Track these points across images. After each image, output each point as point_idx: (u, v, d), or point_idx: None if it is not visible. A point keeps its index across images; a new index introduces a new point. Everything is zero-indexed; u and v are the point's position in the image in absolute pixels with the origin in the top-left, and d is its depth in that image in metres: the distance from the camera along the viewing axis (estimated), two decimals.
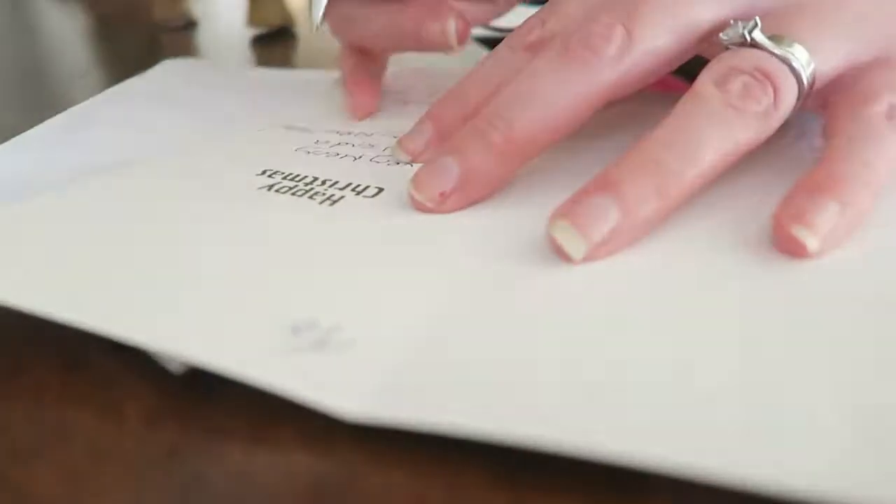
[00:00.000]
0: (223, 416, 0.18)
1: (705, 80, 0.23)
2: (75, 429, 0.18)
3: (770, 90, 0.23)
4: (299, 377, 0.18)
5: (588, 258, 0.22)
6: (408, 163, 0.29)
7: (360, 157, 0.30)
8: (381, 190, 0.26)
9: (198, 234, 0.24)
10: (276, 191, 0.27)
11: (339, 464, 0.17)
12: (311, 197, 0.27)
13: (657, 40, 0.25)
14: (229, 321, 0.20)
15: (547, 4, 0.28)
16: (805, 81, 0.23)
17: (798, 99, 0.23)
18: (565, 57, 0.25)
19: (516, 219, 0.25)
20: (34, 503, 0.16)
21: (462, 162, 0.25)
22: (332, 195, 0.27)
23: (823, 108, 0.25)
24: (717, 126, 0.22)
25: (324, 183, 0.28)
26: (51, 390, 0.19)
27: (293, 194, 0.27)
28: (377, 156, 0.30)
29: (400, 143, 0.29)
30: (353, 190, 0.27)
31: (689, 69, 0.27)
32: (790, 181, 0.23)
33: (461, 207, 0.26)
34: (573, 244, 0.22)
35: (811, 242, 0.20)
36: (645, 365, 0.18)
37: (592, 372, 0.18)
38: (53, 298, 0.21)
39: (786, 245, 0.21)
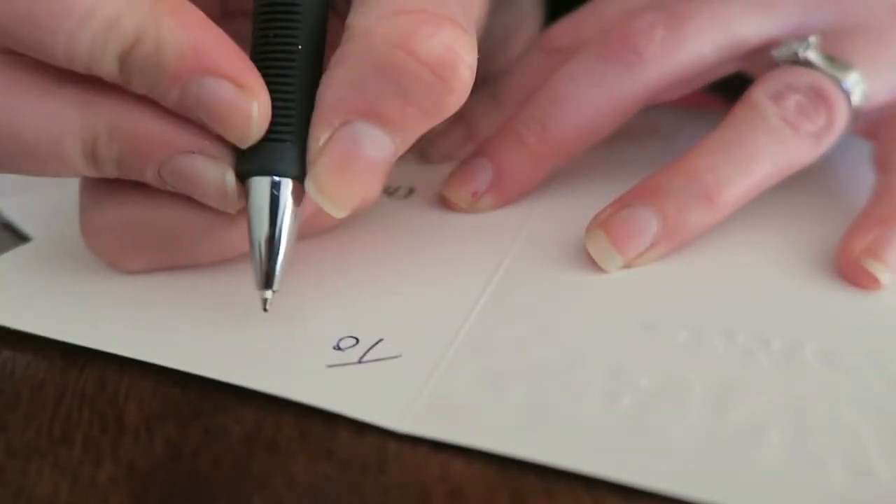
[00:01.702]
0: (223, 416, 0.18)
1: (759, 93, 0.23)
2: (75, 429, 0.18)
3: (823, 111, 0.23)
4: (343, 392, 0.18)
5: (625, 268, 0.22)
6: (438, 162, 0.29)
7: None
8: (412, 190, 0.26)
9: None
10: None
11: (339, 464, 0.17)
12: None
13: (699, 47, 0.24)
14: (272, 340, 0.20)
15: (583, 8, 0.28)
16: (857, 105, 0.23)
17: (848, 123, 0.23)
18: (604, 56, 0.24)
19: (553, 224, 0.25)
20: (34, 503, 0.16)
21: (496, 162, 0.25)
22: None
23: (874, 136, 0.25)
24: (774, 139, 0.22)
25: None
26: (51, 390, 0.19)
27: None
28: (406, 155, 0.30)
29: (431, 142, 0.29)
30: (384, 192, 0.27)
31: (724, 85, 0.27)
32: (837, 204, 0.23)
33: (494, 208, 0.26)
34: (608, 258, 0.22)
35: (884, 276, 0.21)
36: (686, 395, 0.18)
37: (630, 400, 0.17)
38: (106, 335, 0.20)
39: (855, 276, 0.21)
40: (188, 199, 0.20)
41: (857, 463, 0.15)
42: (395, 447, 0.17)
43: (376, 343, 0.19)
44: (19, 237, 0.27)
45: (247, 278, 0.22)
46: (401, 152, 0.20)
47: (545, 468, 0.16)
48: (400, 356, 0.19)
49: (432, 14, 0.18)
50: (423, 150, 0.29)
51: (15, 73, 0.19)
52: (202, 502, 0.16)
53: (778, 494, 0.15)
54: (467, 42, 0.18)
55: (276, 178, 0.19)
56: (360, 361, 0.19)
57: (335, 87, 0.19)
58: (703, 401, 0.17)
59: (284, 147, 0.19)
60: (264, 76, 0.19)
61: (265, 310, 0.20)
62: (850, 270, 0.21)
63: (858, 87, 0.23)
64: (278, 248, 0.19)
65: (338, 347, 0.19)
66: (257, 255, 0.19)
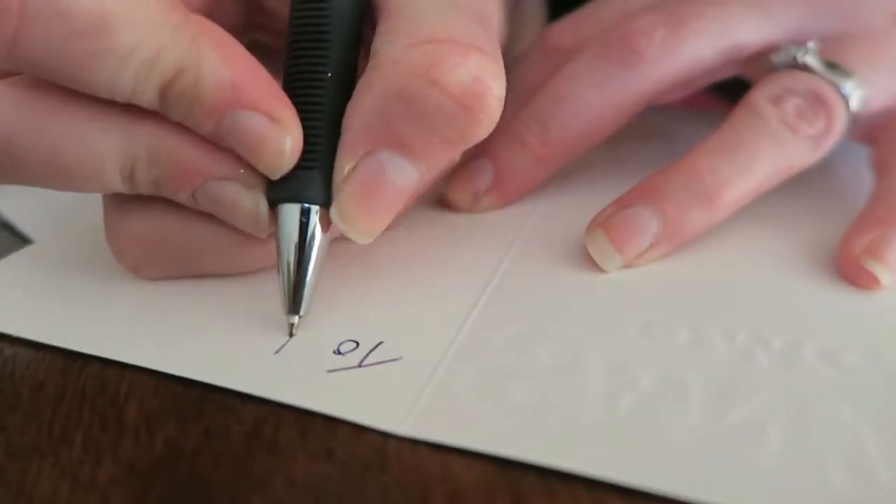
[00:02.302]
0: (223, 416, 0.18)
1: (759, 96, 0.23)
2: (75, 429, 0.18)
3: (822, 115, 0.23)
4: (344, 396, 0.18)
5: (624, 268, 0.22)
6: None
7: None
8: None
9: None
10: None
11: (339, 464, 0.17)
12: None
13: (700, 49, 0.24)
14: (273, 346, 0.20)
15: (582, 8, 0.28)
16: (855, 111, 0.23)
17: (847, 128, 0.23)
18: (605, 56, 0.24)
19: (553, 224, 0.25)
20: (34, 503, 0.16)
21: (497, 163, 0.25)
22: None
23: (872, 140, 0.25)
24: (774, 142, 0.22)
25: None
26: (51, 390, 0.19)
27: None
28: None
29: None
30: None
31: (724, 85, 0.27)
32: (836, 205, 0.23)
33: (495, 208, 0.26)
34: (608, 258, 0.22)
35: (884, 275, 0.21)
36: (686, 396, 0.18)
37: (630, 401, 0.17)
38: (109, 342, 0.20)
39: (855, 276, 0.21)
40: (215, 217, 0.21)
41: (857, 463, 0.15)
42: (395, 447, 0.17)
43: (376, 346, 0.19)
44: (19, 238, 0.27)
45: (249, 285, 0.22)
46: (428, 179, 0.20)
47: (545, 468, 0.16)
48: (400, 359, 0.19)
49: (460, 43, 0.18)
50: None
51: (58, 98, 0.19)
52: (202, 502, 0.16)
53: (778, 494, 0.15)
54: (496, 71, 0.18)
55: (305, 206, 0.20)
56: (360, 365, 0.19)
57: (360, 115, 0.19)
58: (703, 401, 0.17)
59: (312, 175, 0.19)
60: (294, 104, 0.19)
61: (291, 334, 0.20)
62: (850, 270, 0.21)
63: (857, 92, 0.23)
64: (306, 274, 0.20)
65: (338, 352, 0.19)
66: (285, 281, 0.20)
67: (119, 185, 0.20)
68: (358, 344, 0.20)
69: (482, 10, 0.20)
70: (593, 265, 0.22)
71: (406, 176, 0.19)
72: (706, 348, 0.19)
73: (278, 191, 0.20)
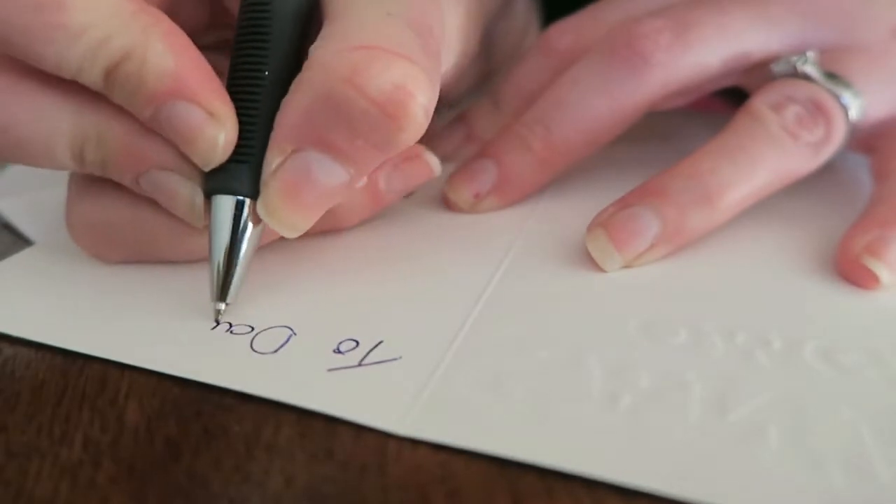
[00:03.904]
0: (223, 416, 0.18)
1: (760, 103, 0.23)
2: (75, 429, 0.18)
3: (822, 123, 0.23)
4: (344, 395, 0.18)
5: (624, 268, 0.22)
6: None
7: None
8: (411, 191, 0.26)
9: None
10: None
11: (338, 464, 0.17)
12: None
13: (704, 56, 0.24)
14: (272, 345, 0.20)
15: (583, 11, 0.28)
16: (854, 120, 0.23)
17: (846, 136, 0.23)
18: (610, 61, 0.25)
19: (553, 224, 0.25)
20: (34, 503, 0.16)
21: (500, 165, 0.25)
22: None
23: (871, 149, 0.25)
24: (775, 148, 0.23)
25: None
26: (51, 390, 0.19)
27: None
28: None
29: (431, 143, 0.29)
30: None
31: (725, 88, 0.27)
32: (837, 205, 0.23)
33: (496, 209, 0.26)
34: (608, 258, 0.22)
35: (884, 274, 0.21)
36: (686, 396, 0.18)
37: (630, 401, 0.17)
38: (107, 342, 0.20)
39: (855, 275, 0.21)
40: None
41: (856, 463, 0.15)
42: (394, 447, 0.17)
43: (376, 345, 0.19)
44: (19, 238, 0.27)
45: (249, 291, 0.22)
46: (359, 181, 0.20)
47: (545, 468, 0.16)
48: (400, 358, 0.19)
49: (387, 51, 0.19)
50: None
51: (13, 74, 0.20)
52: (202, 502, 0.16)
53: (778, 494, 0.15)
54: (422, 80, 0.19)
55: (239, 198, 0.20)
56: (360, 364, 0.19)
57: (290, 114, 0.19)
58: (703, 401, 0.17)
59: (245, 168, 0.20)
60: (233, 100, 0.20)
61: (217, 322, 0.21)
62: (850, 269, 0.21)
63: (856, 102, 0.23)
64: (235, 264, 0.20)
65: (338, 351, 0.19)
66: (215, 270, 0.20)
67: (69, 164, 0.21)
68: (358, 343, 0.20)
69: (424, 22, 0.20)
70: (593, 265, 0.22)
71: (333, 176, 0.20)
72: (706, 348, 0.19)
73: (212, 182, 0.20)
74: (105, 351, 0.20)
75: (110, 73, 0.19)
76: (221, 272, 0.20)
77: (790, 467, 0.15)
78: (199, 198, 0.20)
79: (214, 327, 0.20)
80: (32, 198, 0.28)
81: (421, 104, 0.19)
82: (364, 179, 0.21)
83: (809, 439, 0.16)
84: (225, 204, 0.20)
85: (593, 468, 0.16)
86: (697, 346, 0.19)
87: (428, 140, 0.30)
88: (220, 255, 0.20)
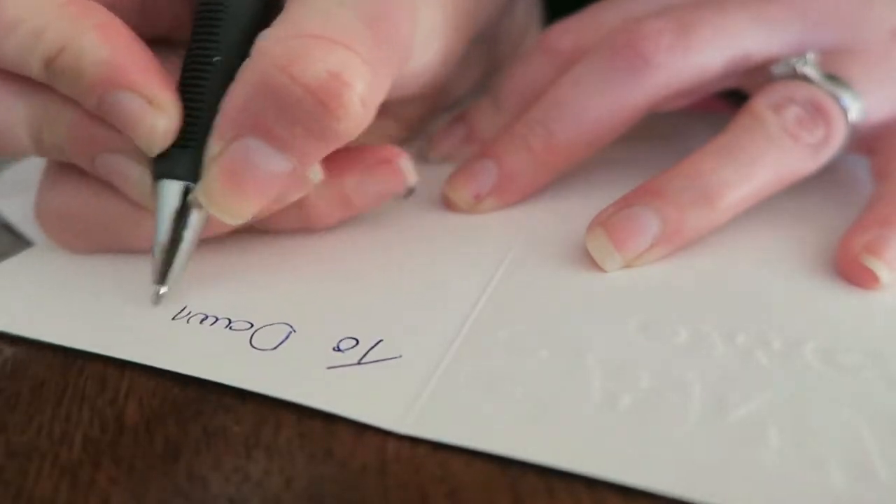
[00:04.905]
0: (223, 416, 0.18)
1: (760, 103, 0.23)
2: (75, 429, 0.18)
3: (822, 124, 0.23)
4: (343, 393, 0.18)
5: (624, 268, 0.22)
6: (438, 163, 0.29)
7: None
8: (412, 190, 0.27)
9: (233, 248, 0.24)
10: None
11: (338, 464, 0.17)
12: None
13: (706, 57, 0.24)
14: (272, 342, 0.20)
15: (584, 11, 0.28)
16: (854, 122, 0.23)
17: (847, 138, 0.23)
18: (611, 61, 0.24)
19: (553, 224, 0.25)
20: (34, 503, 0.16)
21: (500, 166, 0.25)
22: None
23: (872, 151, 0.25)
24: (775, 148, 0.23)
25: None
26: (51, 390, 0.19)
27: None
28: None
29: (431, 143, 0.29)
30: None
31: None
32: (837, 205, 0.23)
33: (496, 209, 0.26)
34: (607, 258, 0.22)
35: (884, 273, 0.21)
36: (686, 396, 0.18)
37: (630, 400, 0.17)
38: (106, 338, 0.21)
39: (855, 274, 0.21)
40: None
41: (857, 463, 0.15)
42: (394, 447, 0.17)
43: (376, 344, 0.19)
44: (19, 239, 0.27)
45: (248, 288, 0.22)
46: (304, 170, 0.20)
47: (545, 467, 0.16)
48: (400, 357, 0.19)
49: (326, 39, 0.19)
50: (422, 150, 0.30)
51: None
52: (202, 502, 0.16)
53: (778, 494, 0.15)
54: (361, 70, 0.19)
55: (183, 183, 0.20)
56: (359, 363, 0.19)
57: (232, 101, 0.20)
58: (703, 400, 0.17)
59: (188, 153, 0.20)
60: (183, 86, 0.20)
61: (155, 304, 0.21)
62: (849, 268, 0.21)
63: (856, 104, 0.23)
64: (176, 247, 0.21)
65: (338, 349, 0.19)
66: (157, 253, 0.21)
67: (31, 148, 0.22)
68: (357, 341, 0.20)
69: (381, 13, 0.20)
70: (593, 265, 0.22)
71: (273, 164, 0.20)
72: (706, 348, 0.19)
73: (158, 167, 0.21)
74: (105, 348, 0.20)
75: (50, 65, 0.20)
76: (163, 255, 0.21)
77: (790, 467, 0.15)
78: (149, 180, 0.21)
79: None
80: (33, 198, 0.28)
81: (357, 94, 0.19)
82: (319, 173, 0.21)
83: (809, 439, 0.16)
84: (169, 188, 0.20)
85: (593, 467, 0.16)
86: (697, 346, 0.19)
87: (428, 140, 0.30)
88: (162, 238, 0.21)
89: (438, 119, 0.31)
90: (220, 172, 0.20)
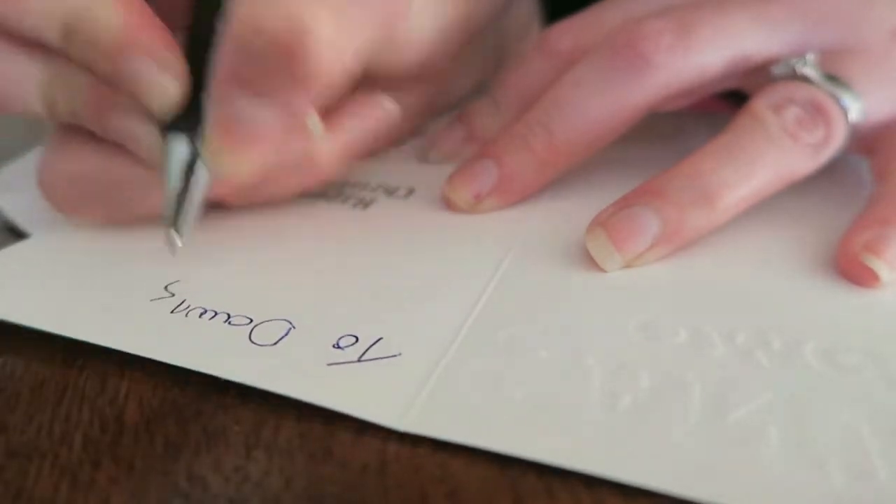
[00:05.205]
0: (223, 416, 0.18)
1: (760, 104, 0.23)
2: (75, 429, 0.18)
3: (822, 124, 0.23)
4: (343, 390, 0.18)
5: (624, 268, 0.22)
6: (439, 163, 0.29)
7: (387, 153, 0.30)
8: (412, 190, 0.27)
9: (234, 242, 0.24)
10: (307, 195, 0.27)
11: (338, 464, 0.17)
12: (343, 201, 0.27)
13: (706, 57, 0.24)
14: (272, 338, 0.20)
15: (584, 12, 0.28)
16: (854, 122, 0.23)
17: (846, 138, 0.23)
18: (611, 62, 0.24)
19: (553, 224, 0.25)
20: (34, 503, 0.16)
21: (501, 166, 0.25)
22: (364, 197, 0.27)
23: (871, 151, 0.25)
24: (775, 148, 0.23)
25: (354, 185, 0.28)
26: (51, 390, 0.19)
27: (326, 200, 0.27)
28: (406, 155, 0.30)
29: (431, 143, 0.29)
30: (384, 191, 0.27)
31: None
32: (837, 205, 0.23)
33: (496, 209, 0.26)
34: (607, 258, 0.22)
35: (884, 272, 0.21)
36: (686, 396, 0.17)
37: (630, 400, 0.17)
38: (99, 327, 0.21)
39: (855, 273, 0.21)
40: (133, 155, 0.23)
41: (856, 463, 0.15)
42: (394, 447, 0.17)
43: (376, 342, 0.19)
44: (20, 236, 0.27)
45: (250, 284, 0.22)
46: (294, 126, 0.22)
47: (545, 467, 0.16)
48: (399, 355, 0.19)
49: None
50: (422, 150, 0.30)
51: None
52: (202, 502, 0.16)
53: (778, 494, 0.15)
54: (321, 15, 0.21)
55: (191, 138, 0.22)
56: (359, 360, 0.19)
57: (219, 61, 0.21)
58: (703, 401, 0.17)
59: (195, 113, 0.21)
60: (190, 48, 0.21)
61: (172, 251, 0.22)
62: (849, 267, 0.21)
63: (856, 104, 0.23)
64: (187, 194, 0.22)
65: (337, 346, 0.19)
66: (168, 200, 0.22)
67: (42, 110, 0.23)
68: (357, 339, 0.20)
69: None
70: (593, 265, 0.22)
71: (261, 115, 0.22)
72: (706, 348, 0.19)
73: (168, 125, 0.22)
74: (102, 339, 0.20)
75: (67, 33, 0.21)
76: (174, 202, 0.21)
77: (790, 467, 0.15)
78: (159, 139, 0.22)
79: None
80: (33, 196, 0.28)
81: (321, 37, 0.20)
82: (318, 125, 0.23)
83: (809, 439, 0.16)
84: (178, 142, 0.21)
85: (593, 466, 0.16)
86: (697, 346, 0.19)
87: (428, 140, 0.30)
88: (173, 185, 0.21)
89: (438, 119, 0.31)
90: (216, 129, 0.21)
